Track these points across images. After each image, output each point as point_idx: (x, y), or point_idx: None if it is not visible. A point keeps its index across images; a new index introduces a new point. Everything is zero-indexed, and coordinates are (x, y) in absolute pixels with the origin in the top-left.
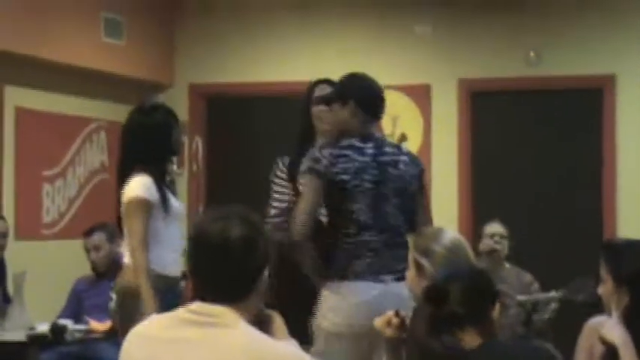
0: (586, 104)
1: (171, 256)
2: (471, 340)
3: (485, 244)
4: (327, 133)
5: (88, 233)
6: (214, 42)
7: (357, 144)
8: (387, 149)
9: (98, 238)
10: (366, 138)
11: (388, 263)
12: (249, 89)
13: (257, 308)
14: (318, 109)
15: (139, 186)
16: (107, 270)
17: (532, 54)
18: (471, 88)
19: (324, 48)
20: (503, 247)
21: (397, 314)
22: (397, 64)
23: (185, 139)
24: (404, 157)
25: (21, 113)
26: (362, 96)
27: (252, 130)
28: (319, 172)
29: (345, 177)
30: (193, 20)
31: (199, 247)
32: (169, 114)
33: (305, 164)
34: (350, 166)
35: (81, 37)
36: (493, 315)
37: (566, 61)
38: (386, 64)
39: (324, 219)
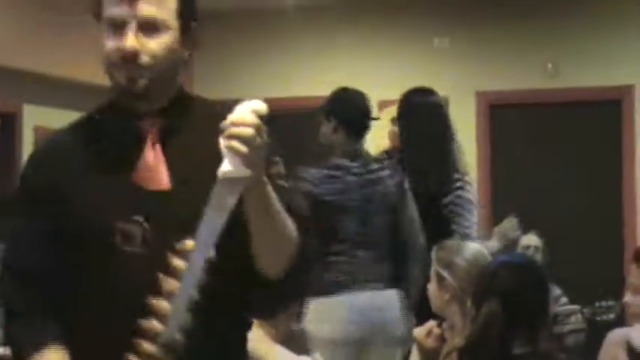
0: (604, 115)
1: None
2: None
3: None
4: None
5: None
6: (231, 58)
7: (345, 163)
8: (373, 166)
9: None
10: (353, 156)
11: (374, 277)
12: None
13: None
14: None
15: None
16: None
17: (550, 66)
18: (489, 100)
19: (342, 62)
20: (537, 259)
21: (440, 325)
22: (415, 76)
23: None
24: (386, 172)
25: (40, 132)
26: (345, 116)
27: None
28: (303, 192)
29: (328, 198)
30: (211, 40)
31: None
32: None
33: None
34: (337, 187)
35: (100, 55)
36: None
37: (584, 73)
38: (404, 77)
39: None
